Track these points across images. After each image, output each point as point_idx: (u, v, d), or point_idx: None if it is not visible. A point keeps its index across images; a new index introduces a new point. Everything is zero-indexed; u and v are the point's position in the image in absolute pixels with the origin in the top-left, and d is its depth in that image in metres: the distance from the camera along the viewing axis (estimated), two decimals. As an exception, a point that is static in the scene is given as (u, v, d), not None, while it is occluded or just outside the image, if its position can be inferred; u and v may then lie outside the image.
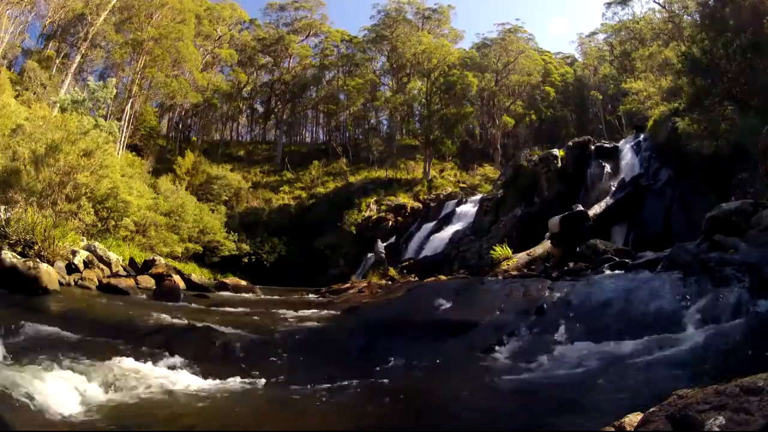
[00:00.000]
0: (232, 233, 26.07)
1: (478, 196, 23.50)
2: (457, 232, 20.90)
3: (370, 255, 23.46)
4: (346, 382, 4.31)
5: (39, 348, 4.52)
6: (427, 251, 20.53)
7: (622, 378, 3.82)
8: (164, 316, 6.68)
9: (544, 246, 11.54)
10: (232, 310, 8.39)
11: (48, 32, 29.86)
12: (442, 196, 27.52)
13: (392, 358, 4.90)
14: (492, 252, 12.93)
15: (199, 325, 6.04)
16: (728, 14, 12.10)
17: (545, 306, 5.78)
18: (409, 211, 26.73)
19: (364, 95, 39.27)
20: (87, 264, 10.05)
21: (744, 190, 10.82)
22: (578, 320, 5.35)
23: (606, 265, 7.96)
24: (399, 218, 26.41)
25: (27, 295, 7.14)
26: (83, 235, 13.04)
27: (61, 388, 3.42)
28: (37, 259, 8.32)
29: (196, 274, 16.83)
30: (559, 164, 17.86)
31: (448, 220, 23.20)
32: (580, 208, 11.42)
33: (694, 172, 12.98)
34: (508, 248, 12.45)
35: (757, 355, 3.75)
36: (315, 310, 8.59)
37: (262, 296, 12.34)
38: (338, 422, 3.52)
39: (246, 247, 26.71)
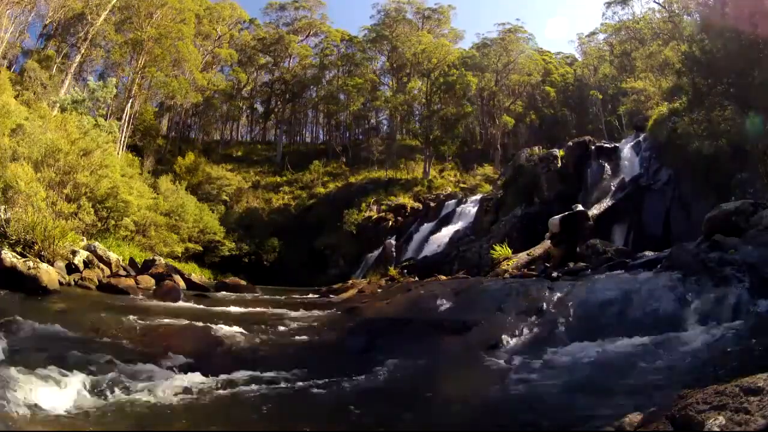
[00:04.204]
0: (232, 233, 26.07)
1: (478, 196, 23.47)
2: (457, 232, 20.88)
3: (370, 255, 23.46)
4: (347, 382, 4.32)
5: (39, 348, 4.52)
6: (427, 251, 20.50)
7: (622, 378, 3.82)
8: (164, 315, 6.68)
9: (544, 246, 11.53)
10: (231, 310, 8.38)
11: (48, 32, 29.80)
12: (442, 196, 27.48)
13: (392, 358, 4.90)
14: (492, 252, 12.92)
15: (199, 325, 6.04)
16: (728, 13, 12.08)
17: (545, 306, 5.78)
18: (409, 211, 26.71)
19: (364, 95, 39.22)
20: (87, 264, 10.04)
21: (744, 190, 10.83)
22: (578, 320, 5.36)
23: (606, 265, 7.96)
24: (399, 218, 26.38)
25: (27, 295, 7.14)
26: (83, 235, 13.02)
27: (60, 388, 3.42)
28: (37, 259, 8.33)
29: (196, 274, 16.83)
30: (559, 164, 17.85)
31: (448, 220, 23.18)
32: (580, 208, 11.42)
33: (694, 172, 12.98)
34: (508, 248, 12.44)
35: (757, 355, 3.75)
36: (315, 310, 8.59)
37: (262, 296, 12.34)
38: (339, 422, 3.52)
39: (246, 247, 26.69)
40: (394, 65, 40.43)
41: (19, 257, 7.80)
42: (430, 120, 33.11)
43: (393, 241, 17.46)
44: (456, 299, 6.83)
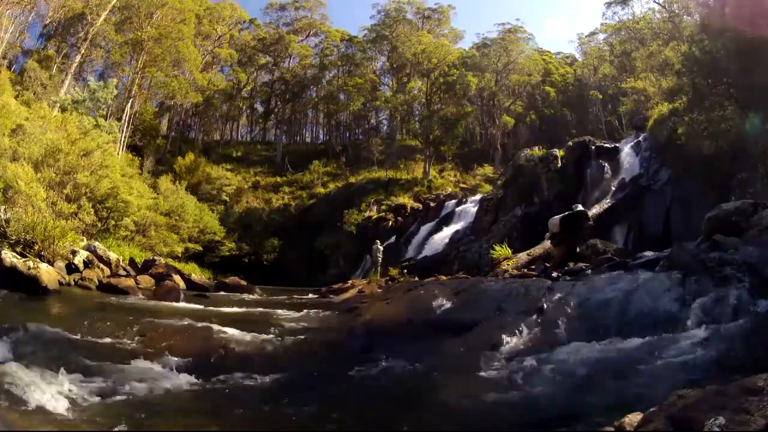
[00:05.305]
0: (232, 233, 26.07)
1: (478, 196, 23.49)
2: (457, 232, 20.89)
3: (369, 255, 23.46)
4: (346, 382, 4.32)
5: (39, 348, 4.52)
6: (427, 251, 20.52)
7: (622, 378, 3.82)
8: (164, 316, 6.68)
9: (544, 246, 11.52)
10: (231, 310, 8.38)
11: (48, 32, 29.81)
12: (442, 196, 27.50)
13: (392, 358, 4.90)
14: (492, 252, 12.93)
15: (199, 325, 6.03)
16: (728, 14, 12.09)
17: (545, 306, 5.78)
18: (409, 211, 26.71)
19: (364, 95, 39.23)
20: (87, 264, 10.03)
21: (744, 190, 10.83)
22: (578, 320, 5.35)
23: (606, 265, 7.94)
24: (399, 218, 26.39)
25: (27, 295, 7.13)
26: (83, 235, 13.02)
27: (61, 388, 3.42)
28: (37, 259, 8.32)
29: (196, 274, 16.82)
30: (559, 164, 17.86)
31: (448, 220, 23.20)
32: (581, 208, 11.41)
33: (694, 172, 12.99)
34: (508, 248, 12.45)
35: (757, 355, 3.75)
36: (315, 310, 8.58)
37: (262, 296, 12.33)
38: (339, 422, 3.52)
39: (246, 247, 26.72)
40: (394, 65, 40.44)
41: (19, 257, 7.79)
42: (430, 120, 33.11)
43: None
44: (456, 299, 6.83)
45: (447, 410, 3.71)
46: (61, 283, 8.33)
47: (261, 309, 8.70)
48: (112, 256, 11.45)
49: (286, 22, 44.00)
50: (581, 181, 17.06)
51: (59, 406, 3.17)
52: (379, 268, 16.59)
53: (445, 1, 42.17)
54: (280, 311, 8.36)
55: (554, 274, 8.02)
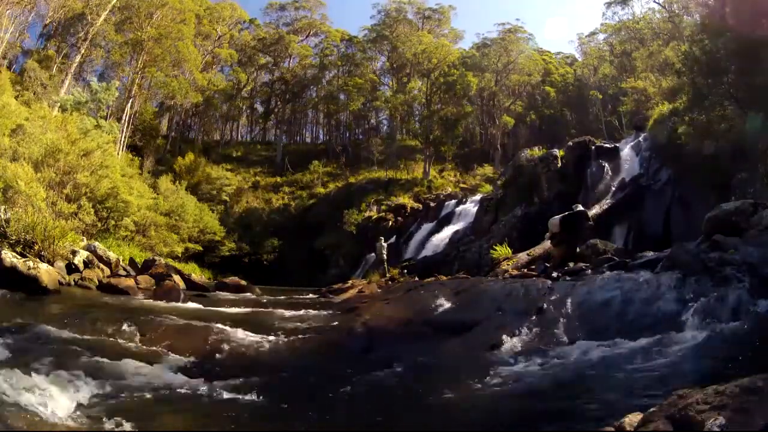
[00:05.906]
0: (232, 233, 26.08)
1: (478, 196, 23.46)
2: (457, 232, 20.88)
3: (370, 255, 23.45)
4: (346, 382, 4.31)
5: (39, 348, 4.52)
6: (427, 251, 20.51)
7: (622, 378, 3.82)
8: (164, 316, 6.67)
9: (544, 246, 11.52)
10: (231, 310, 8.38)
11: (48, 32, 29.82)
12: (442, 196, 27.48)
13: (392, 358, 4.90)
14: (492, 252, 12.92)
15: (199, 325, 6.04)
16: (728, 14, 12.10)
17: (545, 306, 5.78)
18: (409, 211, 26.70)
19: (364, 95, 39.23)
20: (87, 264, 10.04)
21: (744, 190, 10.82)
22: (578, 320, 5.36)
23: (606, 265, 7.95)
24: (399, 218, 26.38)
25: (27, 295, 7.14)
26: (83, 235, 13.02)
27: (60, 388, 3.42)
28: (37, 259, 8.32)
29: (196, 274, 16.81)
30: (559, 164, 17.84)
31: (448, 220, 23.19)
32: (581, 208, 11.40)
33: (694, 172, 12.98)
34: (508, 248, 12.44)
35: (757, 355, 3.75)
36: (315, 310, 8.58)
37: (262, 296, 12.32)
38: (338, 422, 3.52)
39: (246, 247, 26.71)
40: (394, 65, 40.44)
41: (19, 257, 7.79)
42: (430, 120, 33.10)
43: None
44: (456, 299, 6.84)
45: (447, 410, 3.71)
46: (61, 283, 8.33)
47: (261, 309, 8.70)
48: (112, 256, 11.45)
49: (286, 22, 44.02)
50: (581, 181, 17.04)
51: (59, 406, 3.17)
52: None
53: (445, 1, 42.24)
54: (280, 311, 8.36)
55: (554, 274, 8.03)
